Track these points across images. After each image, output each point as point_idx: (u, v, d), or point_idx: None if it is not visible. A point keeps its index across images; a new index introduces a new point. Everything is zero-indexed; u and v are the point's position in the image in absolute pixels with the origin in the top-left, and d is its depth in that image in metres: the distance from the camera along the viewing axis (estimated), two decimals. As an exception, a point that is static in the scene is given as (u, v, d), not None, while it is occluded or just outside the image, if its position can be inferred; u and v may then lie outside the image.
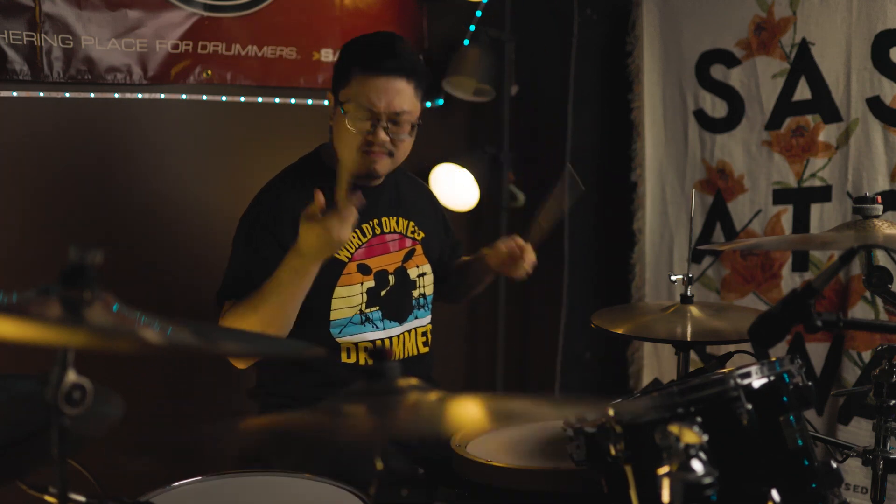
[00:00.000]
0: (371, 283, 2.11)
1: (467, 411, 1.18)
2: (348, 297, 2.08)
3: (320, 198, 1.81)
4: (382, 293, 2.13)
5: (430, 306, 2.25)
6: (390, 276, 2.15)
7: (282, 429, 1.21)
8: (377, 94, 1.99)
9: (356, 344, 2.09)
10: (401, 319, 2.17)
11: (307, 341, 2.03)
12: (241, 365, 2.08)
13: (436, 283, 2.28)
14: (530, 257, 2.12)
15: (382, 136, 2.01)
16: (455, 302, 2.58)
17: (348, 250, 2.08)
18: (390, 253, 2.16)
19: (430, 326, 2.26)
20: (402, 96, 2.01)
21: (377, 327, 2.12)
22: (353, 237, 2.09)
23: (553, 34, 3.43)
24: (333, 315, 2.07)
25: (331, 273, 2.05)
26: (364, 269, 2.10)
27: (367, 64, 2.00)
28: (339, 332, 2.08)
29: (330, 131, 2.12)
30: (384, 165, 2.06)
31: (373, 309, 2.11)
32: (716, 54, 3.01)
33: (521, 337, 3.62)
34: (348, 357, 2.09)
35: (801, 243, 2.66)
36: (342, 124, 2.02)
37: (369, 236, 2.13)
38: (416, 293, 2.21)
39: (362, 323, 2.10)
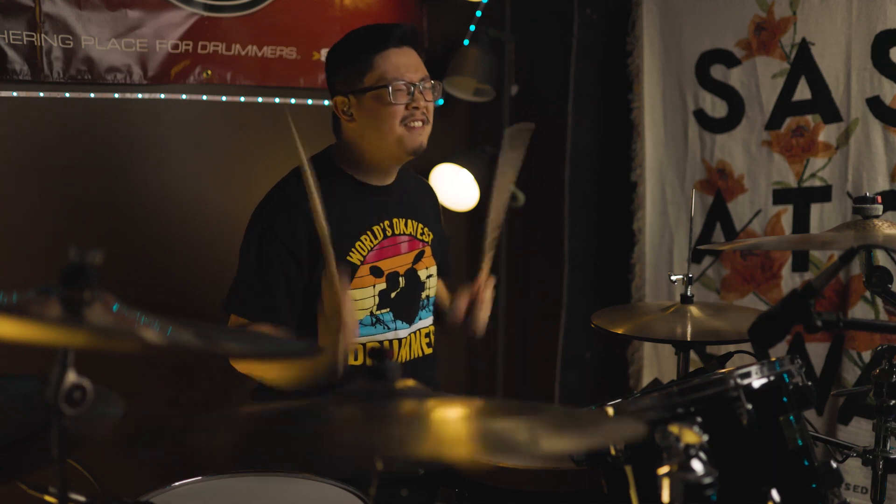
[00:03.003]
0: (382, 286, 2.09)
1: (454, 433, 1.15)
2: (360, 300, 2.05)
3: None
4: (393, 295, 2.11)
5: (431, 308, 2.25)
6: (401, 278, 2.13)
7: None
8: (405, 65, 2.02)
9: (364, 344, 2.07)
10: (409, 320, 2.16)
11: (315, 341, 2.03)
12: (242, 368, 2.06)
13: None
14: (487, 300, 2.17)
15: (423, 101, 2.03)
16: None
17: (360, 253, 2.06)
18: (402, 255, 2.14)
19: (432, 328, 2.25)
20: (420, 63, 2.06)
21: (388, 328, 2.10)
22: (366, 239, 2.07)
23: (553, 34, 3.43)
24: None
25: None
26: (376, 272, 2.08)
27: (383, 42, 2.02)
28: None
29: (338, 132, 2.11)
30: (426, 134, 2.07)
31: (384, 311, 2.10)
32: (716, 54, 3.01)
33: (521, 337, 3.61)
34: (355, 358, 2.07)
35: (801, 243, 2.66)
36: (378, 110, 2.00)
37: (381, 238, 2.10)
38: (423, 294, 2.19)
39: (373, 324, 2.08)
